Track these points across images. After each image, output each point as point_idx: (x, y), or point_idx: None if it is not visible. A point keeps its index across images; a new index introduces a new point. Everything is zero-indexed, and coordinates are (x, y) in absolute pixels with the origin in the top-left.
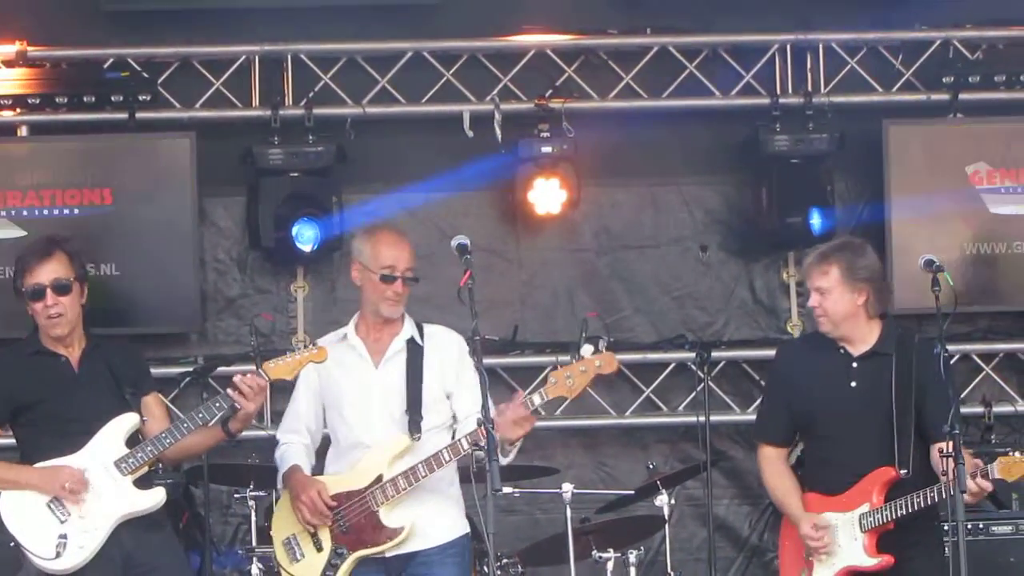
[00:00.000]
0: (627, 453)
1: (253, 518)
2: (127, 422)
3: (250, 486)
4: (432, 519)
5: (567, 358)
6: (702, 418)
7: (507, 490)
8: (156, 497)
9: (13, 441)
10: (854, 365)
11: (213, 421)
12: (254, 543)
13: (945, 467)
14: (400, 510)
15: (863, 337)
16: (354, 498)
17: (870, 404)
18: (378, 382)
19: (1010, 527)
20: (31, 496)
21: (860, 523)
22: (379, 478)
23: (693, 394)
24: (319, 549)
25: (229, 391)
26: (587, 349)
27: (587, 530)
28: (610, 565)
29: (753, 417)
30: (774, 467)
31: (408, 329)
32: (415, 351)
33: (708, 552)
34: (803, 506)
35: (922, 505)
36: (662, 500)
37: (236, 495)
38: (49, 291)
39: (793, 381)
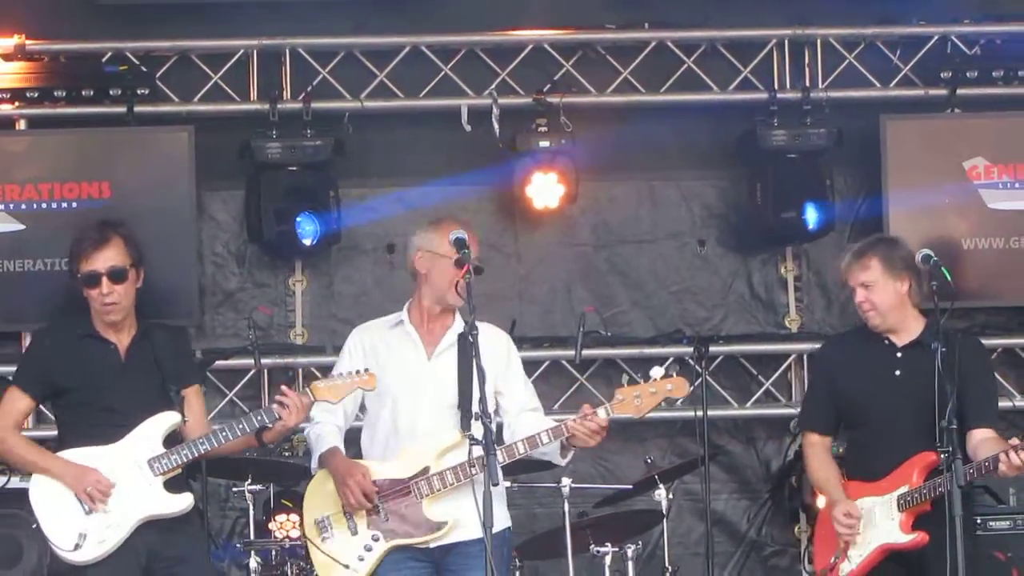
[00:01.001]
0: (625, 448)
1: (251, 512)
2: (167, 420)
3: (248, 480)
4: (471, 512)
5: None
6: (700, 413)
7: (505, 484)
8: (184, 502)
9: (54, 432)
10: (899, 355)
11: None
12: (252, 537)
13: (974, 455)
14: (443, 503)
15: (908, 327)
16: (397, 486)
17: (914, 394)
18: (430, 373)
19: (1008, 522)
20: (61, 485)
21: (898, 503)
22: (426, 469)
23: (691, 389)
24: (353, 533)
25: (274, 404)
26: (656, 371)
27: (585, 524)
28: (608, 559)
29: (751, 412)
30: (818, 454)
31: (460, 324)
32: (465, 346)
33: (706, 547)
34: (843, 492)
35: (961, 483)
36: (660, 494)
37: (234, 489)
38: (105, 279)
39: (838, 371)
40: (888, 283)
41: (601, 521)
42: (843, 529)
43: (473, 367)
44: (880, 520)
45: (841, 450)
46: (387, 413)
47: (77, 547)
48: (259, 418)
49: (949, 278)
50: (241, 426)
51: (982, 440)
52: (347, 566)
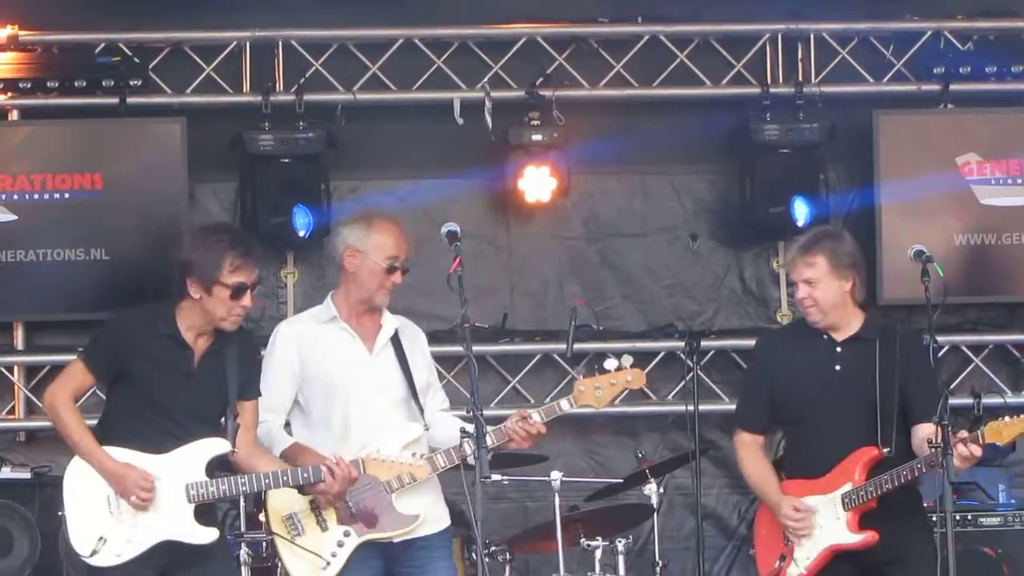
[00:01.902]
0: (617, 441)
1: (242, 504)
2: (215, 447)
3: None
4: (434, 505)
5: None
6: (691, 407)
7: (496, 477)
8: (209, 536)
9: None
10: (838, 350)
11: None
12: (243, 528)
13: (934, 453)
14: (410, 498)
15: (848, 323)
16: (365, 482)
17: (854, 388)
18: (376, 369)
19: (998, 519)
20: (97, 479)
21: (843, 502)
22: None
23: (682, 383)
24: (323, 529)
25: (324, 467)
26: (611, 363)
27: (576, 518)
28: (598, 553)
29: None
30: (752, 453)
31: (389, 318)
32: (396, 340)
33: (696, 541)
34: (782, 492)
35: (907, 479)
36: (651, 489)
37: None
38: (249, 292)
39: (776, 368)
40: (832, 281)
41: (592, 515)
42: (795, 525)
43: (414, 361)
44: (825, 520)
45: (780, 452)
46: (339, 408)
47: (94, 552)
48: (305, 475)
49: (941, 274)
50: (286, 478)
51: (929, 435)
52: (328, 562)
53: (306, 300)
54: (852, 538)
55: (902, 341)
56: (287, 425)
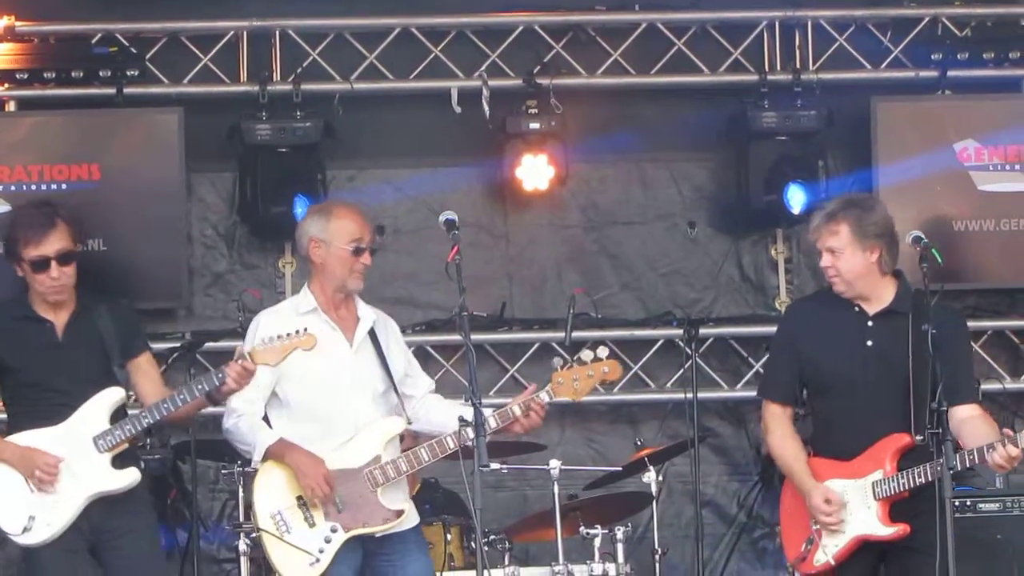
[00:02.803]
0: (615, 430)
1: (241, 493)
2: (111, 397)
3: (238, 461)
4: (407, 501)
5: (559, 359)
6: (690, 395)
7: (495, 466)
8: (129, 477)
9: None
10: (870, 324)
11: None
12: (241, 518)
13: (959, 433)
14: (393, 492)
15: (879, 295)
16: (350, 477)
17: (886, 364)
18: (356, 361)
19: (997, 504)
20: (9, 467)
21: (873, 491)
22: (377, 458)
23: (681, 371)
24: (311, 525)
25: (222, 369)
26: (587, 354)
27: (575, 506)
28: (597, 541)
29: (741, 394)
30: (781, 427)
31: (363, 309)
32: (372, 332)
33: (696, 529)
34: (812, 475)
35: (957, 468)
36: (650, 477)
37: (223, 470)
38: (54, 263)
39: (804, 338)
40: (856, 251)
41: (591, 503)
42: (825, 518)
43: (390, 352)
44: (855, 508)
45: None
46: (321, 402)
47: (26, 530)
48: (199, 387)
49: (940, 260)
50: (182, 396)
51: (969, 418)
52: (317, 558)
53: None
54: (884, 531)
55: (937, 316)
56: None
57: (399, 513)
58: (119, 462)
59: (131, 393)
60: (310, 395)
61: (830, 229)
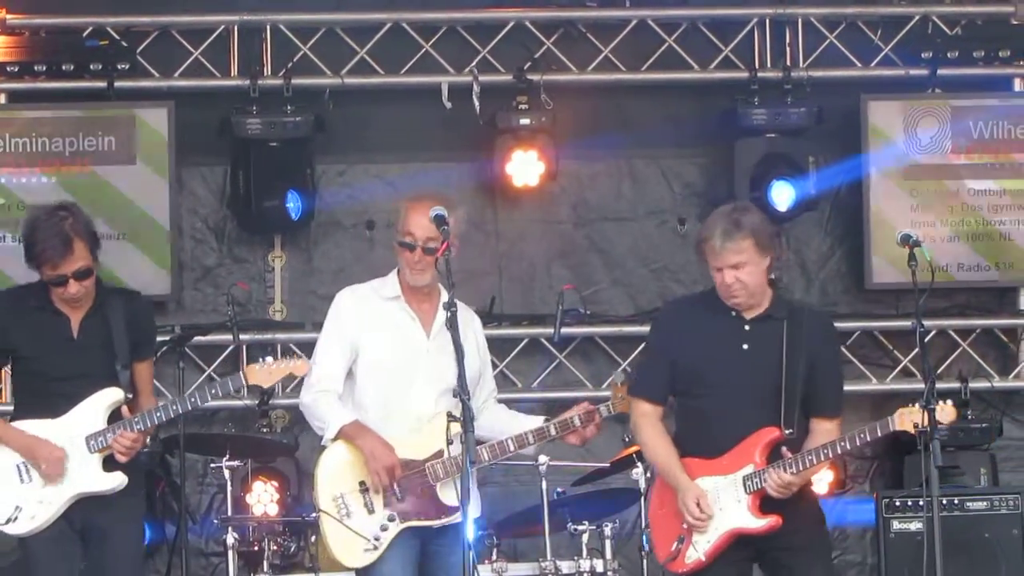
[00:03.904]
0: (604, 426)
1: (229, 488)
2: (109, 397)
3: (226, 456)
4: (474, 496)
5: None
6: None
7: (484, 458)
8: (115, 481)
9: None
10: (747, 328)
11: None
12: (229, 512)
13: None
14: (450, 488)
15: (758, 301)
16: (413, 468)
17: (760, 369)
18: (431, 353)
19: (985, 503)
20: (5, 452)
21: (744, 485)
22: (439, 452)
23: None
24: (370, 511)
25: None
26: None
27: (562, 502)
28: (585, 537)
29: None
30: (653, 426)
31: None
32: (453, 323)
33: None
34: (685, 473)
35: (814, 463)
36: (638, 473)
37: (212, 464)
38: (72, 280)
39: (681, 338)
40: (758, 262)
41: (579, 499)
42: (695, 520)
43: (468, 348)
44: (726, 503)
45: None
46: (391, 389)
47: (10, 520)
48: (192, 400)
49: (929, 258)
50: (175, 407)
51: (824, 432)
52: (375, 545)
53: (293, 283)
54: (756, 523)
55: (810, 323)
56: None
57: (455, 509)
58: (108, 464)
59: (130, 395)
60: (380, 381)
61: (736, 246)
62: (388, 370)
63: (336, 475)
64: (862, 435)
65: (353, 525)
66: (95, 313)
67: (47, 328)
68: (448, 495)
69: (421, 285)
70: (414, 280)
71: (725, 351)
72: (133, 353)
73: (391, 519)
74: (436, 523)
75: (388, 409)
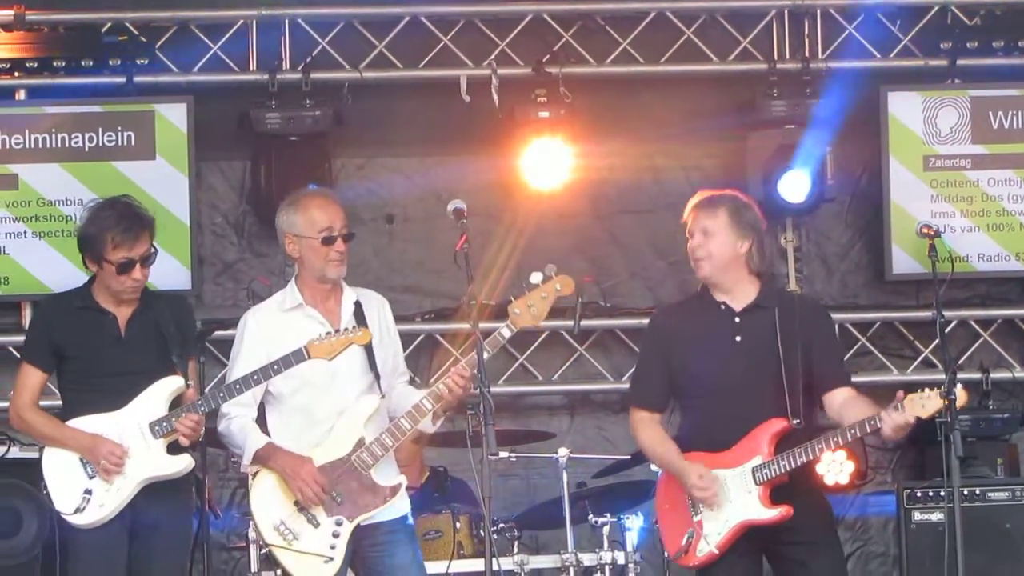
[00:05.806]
0: (624, 418)
1: (250, 481)
2: (171, 384)
3: None
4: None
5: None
6: None
7: (503, 454)
8: (182, 463)
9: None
10: (737, 320)
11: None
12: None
13: (840, 416)
14: (385, 468)
15: (743, 290)
16: (340, 467)
17: (757, 359)
18: (344, 353)
19: (1007, 493)
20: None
21: (754, 476)
22: (361, 441)
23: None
24: (315, 526)
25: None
26: (536, 276)
27: (584, 494)
28: (606, 529)
29: None
30: (652, 430)
31: (349, 293)
32: (359, 313)
33: None
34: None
35: (821, 452)
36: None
37: (233, 458)
38: (138, 266)
39: (672, 343)
40: (729, 237)
41: (600, 491)
42: (701, 493)
43: (378, 336)
44: (736, 495)
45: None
46: (308, 392)
47: (79, 510)
48: (255, 378)
49: (948, 249)
50: (238, 386)
51: (847, 400)
52: (330, 556)
53: None
54: (767, 513)
55: (801, 308)
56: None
57: (397, 487)
58: (173, 450)
59: (190, 383)
60: (296, 386)
61: (709, 211)
62: (304, 377)
63: (269, 504)
64: (871, 422)
65: (303, 547)
66: (141, 312)
67: (94, 327)
68: (384, 476)
69: (341, 276)
70: (337, 273)
71: (718, 345)
72: (184, 347)
73: (339, 523)
74: (383, 508)
75: (311, 416)
